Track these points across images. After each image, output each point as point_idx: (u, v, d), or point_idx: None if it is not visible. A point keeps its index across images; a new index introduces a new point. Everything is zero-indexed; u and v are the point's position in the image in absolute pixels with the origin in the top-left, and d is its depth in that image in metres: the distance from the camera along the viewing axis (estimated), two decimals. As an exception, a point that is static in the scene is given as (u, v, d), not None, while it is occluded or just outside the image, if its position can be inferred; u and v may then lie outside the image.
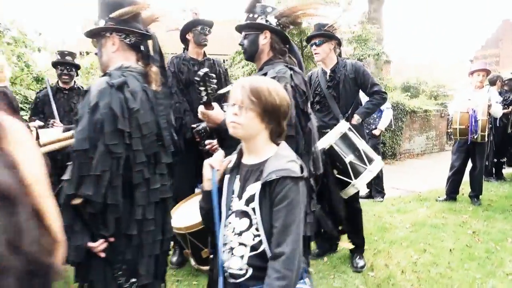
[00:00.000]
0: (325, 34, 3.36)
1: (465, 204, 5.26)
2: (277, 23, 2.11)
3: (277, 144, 1.54)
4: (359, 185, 2.98)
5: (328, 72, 3.48)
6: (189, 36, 3.35)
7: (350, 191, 3.00)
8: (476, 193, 5.35)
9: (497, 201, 5.47)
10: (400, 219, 4.64)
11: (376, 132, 5.74)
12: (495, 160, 6.87)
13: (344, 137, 3.04)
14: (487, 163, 6.80)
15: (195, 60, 3.39)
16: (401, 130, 10.18)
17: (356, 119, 3.34)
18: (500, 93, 7.01)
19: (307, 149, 2.06)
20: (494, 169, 6.95)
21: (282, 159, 1.45)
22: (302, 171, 1.46)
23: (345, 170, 2.97)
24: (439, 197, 5.55)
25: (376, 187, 5.89)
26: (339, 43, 3.48)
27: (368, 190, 6.07)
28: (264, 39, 2.13)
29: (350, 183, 2.97)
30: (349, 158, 2.96)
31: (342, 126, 3.08)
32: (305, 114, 2.03)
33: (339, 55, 3.56)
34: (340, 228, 3.16)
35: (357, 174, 2.96)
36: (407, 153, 10.64)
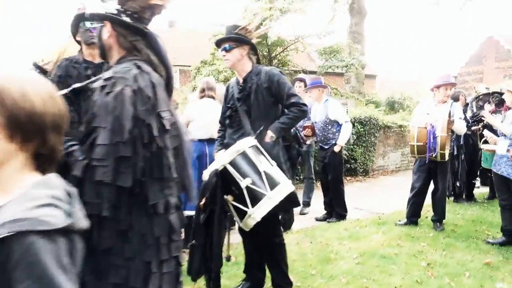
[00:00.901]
0: (236, 38, 2.88)
1: (426, 230, 4.76)
2: (121, 9, 1.60)
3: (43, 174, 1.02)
4: (258, 215, 2.44)
5: (241, 81, 2.99)
6: (78, 36, 2.83)
7: (248, 222, 2.46)
8: (438, 217, 4.86)
9: (462, 226, 4.98)
10: (349, 248, 4.10)
11: (336, 148, 5.24)
12: (466, 180, 6.42)
13: (244, 157, 2.53)
14: (458, 184, 6.39)
15: (90, 62, 2.85)
16: (374, 145, 9.74)
17: (270, 136, 2.82)
18: (465, 110, 6.63)
19: (158, 174, 1.54)
20: (465, 190, 6.50)
21: (28, 203, 0.92)
22: (70, 216, 0.94)
23: (241, 196, 2.45)
24: (399, 220, 5.04)
25: (336, 208, 5.38)
26: (253, 49, 3.00)
27: (326, 212, 5.56)
28: (107, 33, 1.62)
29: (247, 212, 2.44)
30: (245, 181, 2.43)
31: (242, 144, 2.57)
32: (150, 126, 1.51)
33: (258, 62, 3.07)
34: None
35: (254, 201, 2.43)
36: (381, 169, 10.19)
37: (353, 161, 9.20)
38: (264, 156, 2.70)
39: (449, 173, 6.50)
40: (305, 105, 2.93)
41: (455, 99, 6.53)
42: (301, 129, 5.56)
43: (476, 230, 4.80)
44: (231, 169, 2.51)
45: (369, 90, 33.78)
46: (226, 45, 2.93)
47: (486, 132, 4.42)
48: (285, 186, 2.60)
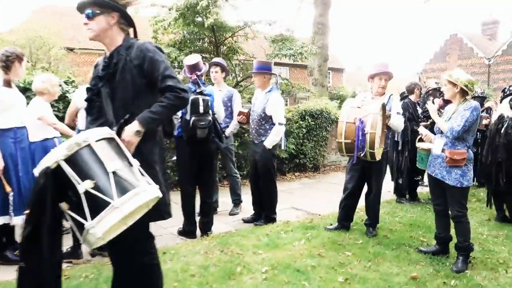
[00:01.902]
0: (102, 2, 2.24)
1: (356, 236, 4.30)
2: None
3: None
4: (99, 230, 1.82)
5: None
6: None
7: (89, 239, 1.84)
8: (371, 221, 4.41)
9: (397, 231, 4.55)
10: (262, 258, 3.57)
11: (266, 143, 4.67)
12: (410, 178, 6.05)
13: (88, 152, 1.90)
14: (400, 182, 6.02)
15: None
16: (326, 140, 9.30)
17: (132, 130, 2.21)
18: (418, 104, 6.25)
19: None
20: (408, 189, 6.14)
21: None
22: None
23: (79, 205, 1.83)
24: (330, 224, 4.57)
25: (266, 210, 4.85)
26: (125, 17, 2.36)
27: (254, 212, 5.02)
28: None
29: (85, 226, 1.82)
30: (84, 185, 1.80)
31: (87, 135, 1.93)
32: None
33: (135, 35, 2.44)
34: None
35: (95, 211, 1.81)
36: (333, 165, 9.79)
37: (302, 156, 8.74)
38: (124, 153, 2.09)
39: (395, 171, 6.17)
40: (184, 90, 2.28)
41: (410, 92, 6.14)
42: (227, 120, 5.01)
43: (411, 236, 4.38)
44: (66, 167, 1.87)
45: (337, 83, 33.85)
46: (89, 11, 2.28)
47: (421, 129, 3.97)
48: (142, 192, 1.99)
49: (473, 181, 6.98)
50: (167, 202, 2.36)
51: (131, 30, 2.47)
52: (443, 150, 3.67)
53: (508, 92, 5.07)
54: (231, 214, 5.32)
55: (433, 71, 29.81)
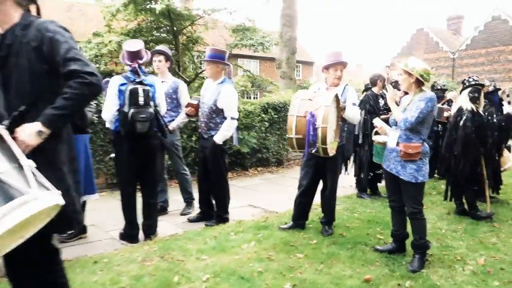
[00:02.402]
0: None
1: (311, 235, 4.06)
2: None
3: None
4: None
5: None
6: None
7: None
8: (327, 219, 4.18)
9: (354, 228, 4.35)
10: (206, 264, 3.26)
11: (216, 138, 4.34)
12: (371, 173, 5.89)
13: None
14: (362, 176, 5.85)
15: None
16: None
17: (33, 129, 1.83)
18: (382, 96, 6.07)
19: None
20: (369, 183, 5.98)
21: None
22: None
23: None
24: (285, 223, 4.32)
25: (217, 210, 4.53)
26: None
27: (200, 211, 4.70)
28: None
29: None
30: None
31: None
32: None
33: (38, 13, 2.05)
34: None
35: None
36: (297, 159, 9.55)
37: (265, 150, 8.47)
38: (13, 153, 1.72)
39: (357, 165, 5.99)
40: (92, 74, 1.88)
41: (373, 83, 5.94)
42: (172, 114, 4.65)
43: (368, 233, 4.18)
44: None
45: (307, 77, 33.82)
46: (-27, -18, 1.89)
47: (376, 121, 3.75)
48: (33, 200, 1.63)
49: (435, 173, 6.96)
50: (77, 209, 2.00)
51: (33, 7, 2.09)
52: (397, 144, 3.46)
53: (467, 84, 4.94)
54: (182, 214, 4.98)
55: (400, 64, 30.29)
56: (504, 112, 5.94)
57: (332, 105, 3.63)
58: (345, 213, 4.92)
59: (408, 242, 3.68)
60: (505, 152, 6.05)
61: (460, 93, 5.00)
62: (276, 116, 8.59)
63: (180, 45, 8.50)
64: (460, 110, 4.87)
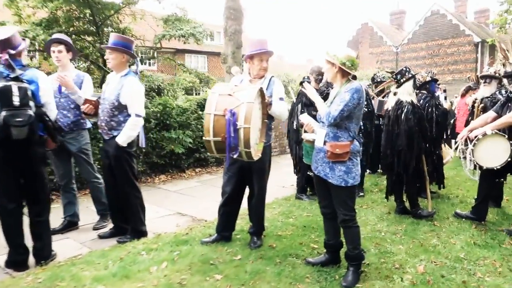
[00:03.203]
0: None
1: (238, 248, 3.55)
2: None
3: None
4: None
5: None
6: None
7: None
8: (255, 229, 3.69)
9: (287, 237, 3.90)
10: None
11: (119, 140, 3.67)
12: (309, 173, 5.48)
13: None
14: (300, 176, 5.44)
15: None
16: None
17: None
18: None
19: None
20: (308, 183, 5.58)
21: None
22: None
23: None
24: (210, 235, 3.78)
25: (131, 223, 3.90)
26: None
27: (114, 226, 4.05)
28: None
29: None
30: None
31: None
32: None
33: None
34: None
35: None
36: (240, 158, 9.07)
37: (203, 149, 7.87)
38: None
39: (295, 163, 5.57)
40: None
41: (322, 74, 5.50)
42: (77, 113, 3.96)
43: (302, 242, 3.74)
44: None
45: (257, 72, 33.44)
46: None
47: (302, 117, 3.29)
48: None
49: (378, 168, 6.74)
50: None
51: None
52: (325, 143, 3.02)
53: (409, 76, 4.62)
54: (95, 228, 4.30)
55: (348, 59, 30.72)
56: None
57: (256, 101, 3.13)
58: (279, 219, 4.47)
59: (343, 252, 3.28)
60: (443, 146, 5.90)
61: (398, 86, 4.68)
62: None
63: (105, 37, 7.66)
64: (399, 103, 4.56)
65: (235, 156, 2.98)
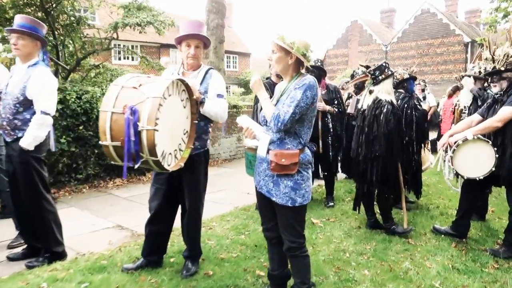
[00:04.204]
0: None
1: (165, 278, 2.88)
2: None
3: None
4: None
5: None
6: None
7: None
8: (189, 252, 3.03)
9: (231, 260, 3.25)
10: None
11: (22, 143, 2.98)
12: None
13: None
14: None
15: None
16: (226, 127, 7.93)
17: None
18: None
19: None
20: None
21: None
22: None
23: None
24: (137, 258, 3.14)
25: (45, 244, 3.24)
26: None
27: (26, 246, 3.39)
28: None
29: None
30: None
31: None
32: None
33: None
34: None
35: None
36: (212, 159, 8.44)
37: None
38: None
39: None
40: None
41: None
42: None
43: (246, 268, 3.11)
44: None
45: (244, 69, 32.79)
46: None
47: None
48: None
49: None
50: None
51: None
52: (268, 151, 2.40)
53: (389, 73, 4.02)
54: (10, 246, 3.63)
55: (336, 57, 30.20)
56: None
57: (174, 97, 2.49)
58: (229, 235, 3.85)
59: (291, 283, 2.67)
60: (423, 151, 5.32)
61: (376, 84, 4.05)
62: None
63: (59, 26, 6.95)
64: (377, 102, 3.95)
65: (136, 166, 2.33)
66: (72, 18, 6.98)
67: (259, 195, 2.54)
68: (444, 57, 25.28)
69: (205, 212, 4.41)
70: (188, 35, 2.80)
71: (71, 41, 6.78)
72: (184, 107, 2.68)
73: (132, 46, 26.62)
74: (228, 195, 5.80)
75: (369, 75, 4.08)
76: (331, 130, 4.75)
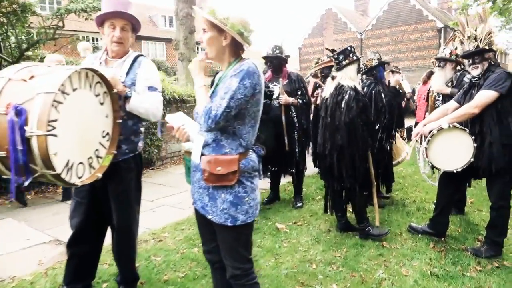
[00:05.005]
0: None
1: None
2: None
3: None
4: None
5: None
6: None
7: None
8: (122, 276, 2.55)
9: (175, 284, 2.78)
10: None
11: None
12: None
13: None
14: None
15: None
16: (163, 126, 7.33)
17: None
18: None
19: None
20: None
21: None
22: None
23: None
24: (61, 286, 2.62)
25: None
26: None
27: None
28: None
29: None
30: None
31: None
32: None
33: None
34: None
35: None
36: (175, 156, 7.91)
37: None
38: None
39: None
40: None
41: None
42: None
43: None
44: None
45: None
46: None
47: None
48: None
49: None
50: None
51: None
52: (201, 157, 1.92)
53: (353, 58, 3.59)
54: None
55: (312, 46, 29.86)
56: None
57: (82, 91, 1.97)
58: (181, 248, 3.36)
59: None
60: (398, 140, 4.94)
61: (340, 69, 3.63)
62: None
63: (0, 14, 6.24)
64: (339, 88, 3.52)
65: (26, 183, 1.81)
66: (15, 6, 6.28)
67: (196, 210, 2.06)
68: (418, 43, 25.24)
69: (158, 220, 3.93)
70: (112, 13, 2.27)
71: (12, 31, 6.08)
72: (102, 103, 2.16)
73: (84, 38, 25.61)
74: (189, 197, 5.30)
75: (333, 60, 3.64)
76: (297, 124, 4.29)
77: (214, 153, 1.88)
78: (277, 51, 4.25)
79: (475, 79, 3.34)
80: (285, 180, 5.09)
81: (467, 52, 3.36)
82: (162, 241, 3.57)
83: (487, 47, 3.25)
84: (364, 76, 4.46)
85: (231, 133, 1.88)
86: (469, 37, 3.39)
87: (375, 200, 3.86)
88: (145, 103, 2.34)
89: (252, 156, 1.95)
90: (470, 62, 3.35)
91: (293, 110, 4.25)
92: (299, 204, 4.48)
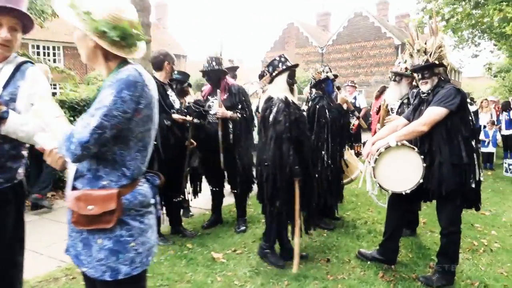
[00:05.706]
0: None
1: None
2: None
3: None
4: None
5: None
6: None
7: None
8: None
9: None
10: None
11: None
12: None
13: None
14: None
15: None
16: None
17: None
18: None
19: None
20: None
21: None
22: None
23: None
24: None
25: None
26: None
27: None
28: None
29: None
30: None
31: None
32: None
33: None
34: None
35: None
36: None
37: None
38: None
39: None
40: None
41: (157, 66, 3.78)
42: None
43: None
44: None
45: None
46: None
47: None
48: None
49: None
50: None
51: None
52: (74, 188, 1.49)
53: (282, 68, 3.28)
54: None
55: (274, 59, 29.97)
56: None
57: None
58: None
59: None
60: (351, 157, 4.68)
61: (271, 81, 3.31)
62: (75, 117, 6.20)
63: None
64: (268, 101, 3.20)
65: None
66: None
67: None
68: (377, 59, 25.86)
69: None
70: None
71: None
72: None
73: (54, 47, 24.06)
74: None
75: (266, 73, 3.32)
76: (236, 141, 3.91)
77: (90, 187, 1.45)
78: (213, 63, 3.89)
79: (424, 94, 3.11)
80: (228, 202, 4.69)
81: (416, 66, 3.14)
82: (75, 278, 3.05)
83: (437, 62, 3.03)
84: (313, 89, 4.21)
85: (111, 161, 1.45)
86: (418, 51, 3.17)
87: (297, 231, 3.28)
88: (27, 126, 1.85)
89: (143, 187, 1.53)
90: (420, 76, 3.12)
91: (231, 126, 3.87)
92: (242, 228, 4.07)
